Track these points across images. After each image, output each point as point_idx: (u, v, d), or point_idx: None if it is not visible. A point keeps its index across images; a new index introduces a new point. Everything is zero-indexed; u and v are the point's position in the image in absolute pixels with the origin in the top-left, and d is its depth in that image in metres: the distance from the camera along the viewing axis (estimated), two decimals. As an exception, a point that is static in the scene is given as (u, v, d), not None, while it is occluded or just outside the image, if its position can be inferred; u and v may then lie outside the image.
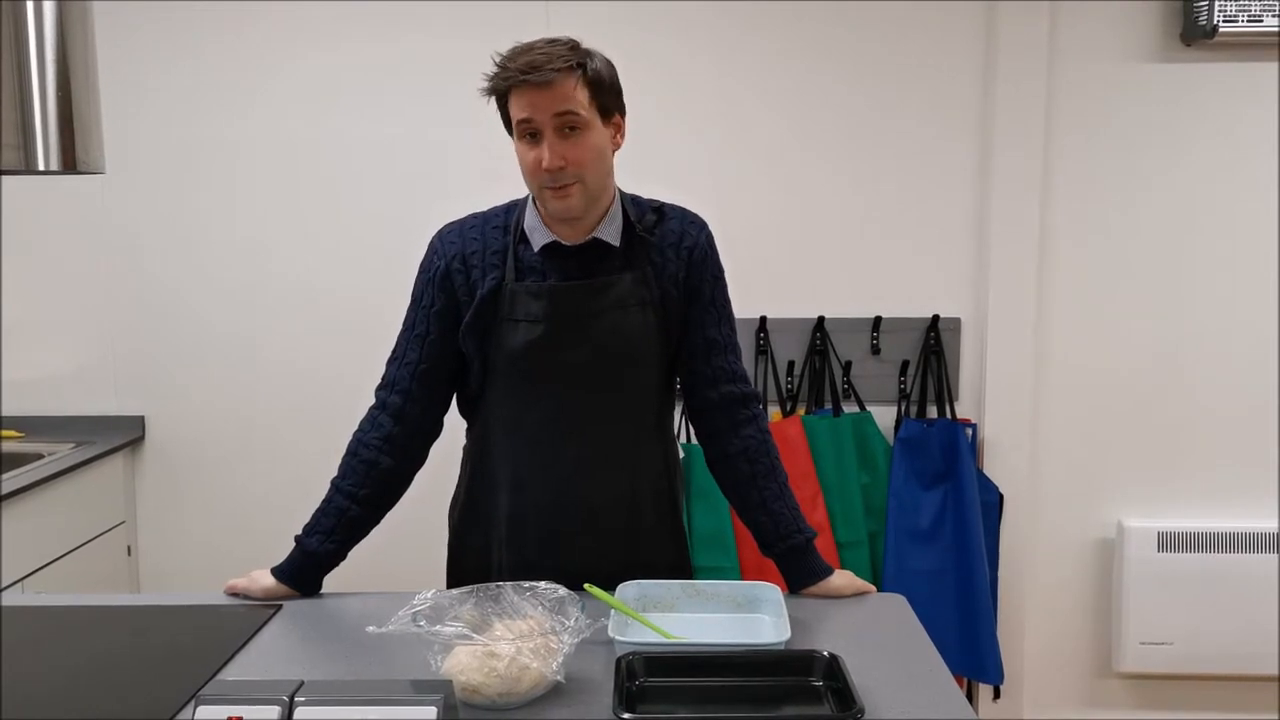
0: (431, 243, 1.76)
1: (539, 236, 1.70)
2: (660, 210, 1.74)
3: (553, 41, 1.61)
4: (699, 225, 1.76)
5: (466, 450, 1.84)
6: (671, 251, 1.72)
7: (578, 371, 1.69)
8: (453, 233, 1.75)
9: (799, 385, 2.99)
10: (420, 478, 1.78)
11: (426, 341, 1.73)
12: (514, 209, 1.75)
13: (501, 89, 1.60)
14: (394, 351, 1.76)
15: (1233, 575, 2.88)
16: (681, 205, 1.78)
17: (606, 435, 1.72)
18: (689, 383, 1.78)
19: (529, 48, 1.60)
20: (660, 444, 1.79)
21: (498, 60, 1.61)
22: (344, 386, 2.28)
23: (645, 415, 1.76)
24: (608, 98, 1.64)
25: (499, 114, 1.66)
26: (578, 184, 1.62)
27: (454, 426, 1.83)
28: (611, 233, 1.70)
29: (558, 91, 1.58)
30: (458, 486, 1.86)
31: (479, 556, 1.80)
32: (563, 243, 1.69)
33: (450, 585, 1.80)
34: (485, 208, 1.78)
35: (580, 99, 1.60)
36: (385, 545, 1.84)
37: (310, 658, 1.51)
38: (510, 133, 1.66)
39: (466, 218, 1.77)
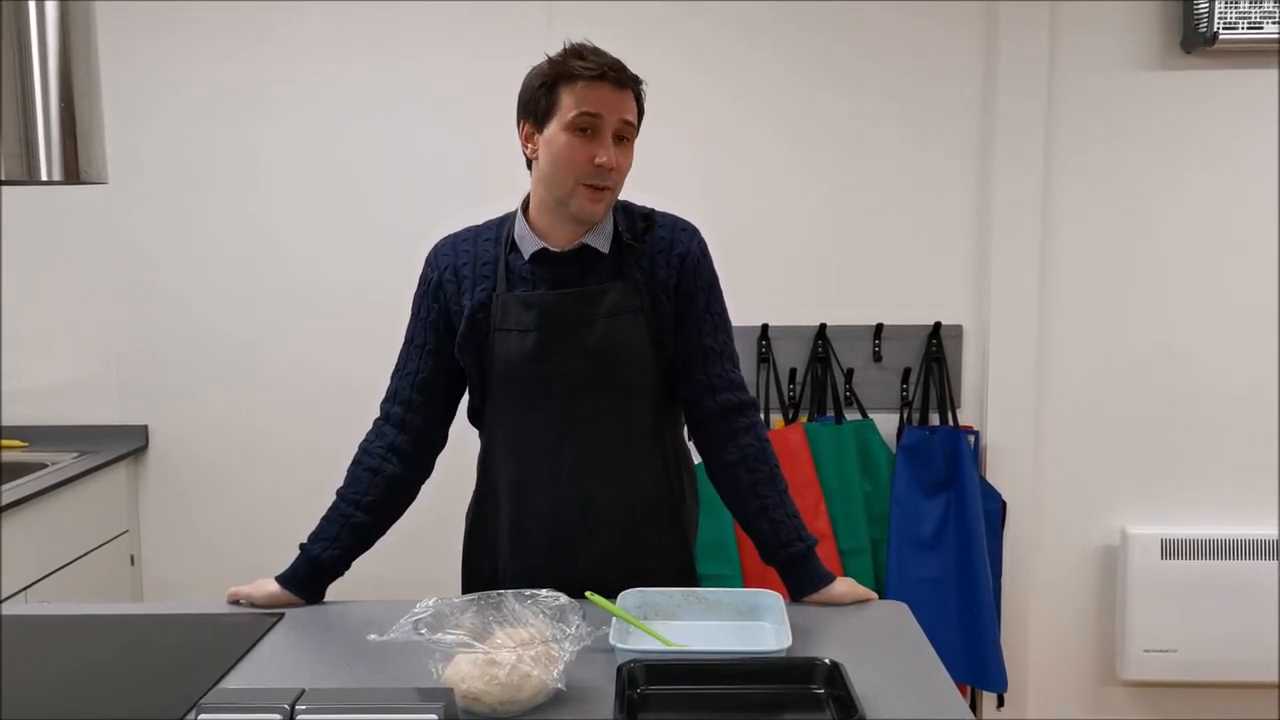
0: (428, 256, 1.79)
1: (528, 244, 1.71)
2: (650, 218, 1.75)
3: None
4: (690, 233, 1.76)
5: (478, 458, 1.85)
6: (662, 259, 1.72)
7: (571, 379, 1.69)
8: (446, 246, 1.77)
9: (801, 393, 2.99)
10: (425, 488, 1.80)
11: (425, 352, 1.75)
12: (506, 221, 1.76)
13: (586, 77, 1.60)
14: (396, 364, 1.79)
15: (1236, 582, 2.87)
16: (674, 213, 1.79)
17: (603, 441, 1.72)
18: (686, 393, 1.77)
19: (596, 49, 1.64)
20: (659, 449, 1.78)
21: (557, 55, 1.63)
22: (348, 397, 2.28)
23: (641, 421, 1.76)
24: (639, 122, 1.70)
25: (530, 104, 1.66)
26: (610, 190, 1.66)
27: (464, 439, 1.84)
28: (601, 239, 1.70)
29: (629, 98, 1.64)
30: (473, 493, 1.87)
31: (486, 562, 1.82)
32: (552, 249, 1.70)
33: (463, 589, 1.82)
34: (487, 219, 1.80)
35: (635, 114, 1.66)
36: (391, 553, 1.85)
37: (312, 666, 1.51)
38: (539, 124, 1.65)
39: (460, 231, 1.79)
